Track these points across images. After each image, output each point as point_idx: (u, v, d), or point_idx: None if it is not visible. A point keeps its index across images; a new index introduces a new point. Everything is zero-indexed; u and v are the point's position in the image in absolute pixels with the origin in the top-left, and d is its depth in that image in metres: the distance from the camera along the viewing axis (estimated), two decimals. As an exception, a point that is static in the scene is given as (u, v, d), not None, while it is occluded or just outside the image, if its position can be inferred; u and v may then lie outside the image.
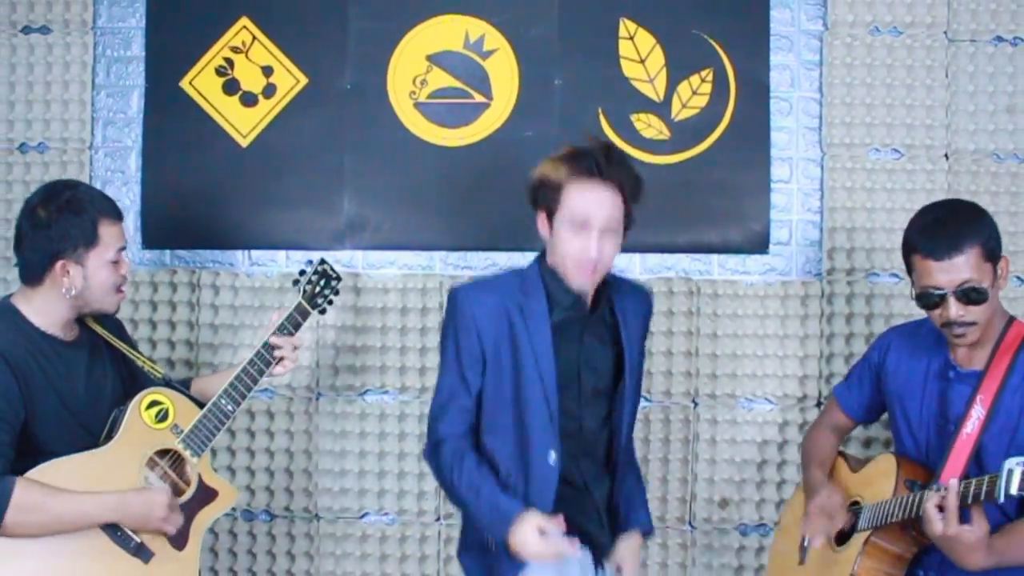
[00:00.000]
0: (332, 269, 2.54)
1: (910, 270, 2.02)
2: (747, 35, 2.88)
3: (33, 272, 2.10)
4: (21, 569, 1.98)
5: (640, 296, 2.22)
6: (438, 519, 2.85)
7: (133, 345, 2.38)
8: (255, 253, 2.95)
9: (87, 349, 2.21)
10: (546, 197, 2.00)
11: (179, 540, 2.17)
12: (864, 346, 2.77)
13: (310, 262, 2.51)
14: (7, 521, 1.93)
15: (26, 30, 2.94)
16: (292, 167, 2.93)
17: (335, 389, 2.88)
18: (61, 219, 2.07)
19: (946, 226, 1.97)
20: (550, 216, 2.01)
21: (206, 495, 2.25)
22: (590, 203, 1.95)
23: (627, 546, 2.11)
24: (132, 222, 2.91)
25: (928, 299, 1.97)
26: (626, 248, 2.79)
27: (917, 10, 2.82)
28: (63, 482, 2.04)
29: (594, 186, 1.95)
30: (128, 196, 2.92)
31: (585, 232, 1.94)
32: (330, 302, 2.53)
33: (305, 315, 2.44)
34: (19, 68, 2.94)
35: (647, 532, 2.16)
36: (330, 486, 2.88)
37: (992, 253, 1.96)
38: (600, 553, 2.11)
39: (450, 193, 2.88)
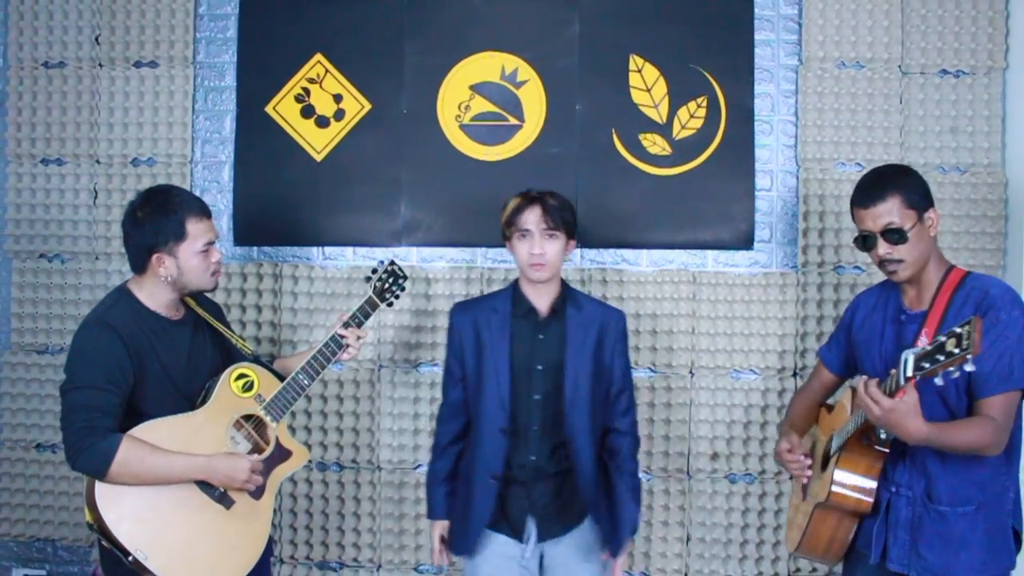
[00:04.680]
0: (400, 269, 2.70)
1: (854, 221, 2.25)
2: (735, 69, 3.11)
3: (136, 263, 2.31)
4: (123, 509, 2.15)
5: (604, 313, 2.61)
6: (480, 469, 3.21)
7: (228, 326, 2.57)
8: (328, 249, 3.22)
9: (190, 327, 2.39)
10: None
11: (257, 491, 2.34)
12: (832, 326, 3.03)
13: (381, 262, 2.69)
14: (111, 471, 2.11)
15: (137, 64, 3.25)
16: (358, 178, 3.19)
17: (394, 362, 3.18)
18: (153, 219, 2.26)
19: (873, 181, 2.22)
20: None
21: (282, 454, 2.42)
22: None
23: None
24: (225, 224, 3.22)
25: (863, 242, 2.21)
26: (635, 245, 3.13)
27: (876, 48, 3.08)
28: (161, 438, 2.20)
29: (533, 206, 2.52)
30: (222, 202, 3.23)
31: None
32: (397, 297, 2.71)
33: (374, 307, 2.63)
34: (132, 96, 3.25)
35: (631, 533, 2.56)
36: (389, 442, 3.18)
37: (914, 202, 2.16)
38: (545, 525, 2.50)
39: (489, 199, 3.01)
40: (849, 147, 3.12)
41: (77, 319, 3.24)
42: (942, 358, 1.85)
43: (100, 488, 2.15)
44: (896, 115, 3.10)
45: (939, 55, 3.11)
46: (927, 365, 1.89)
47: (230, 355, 2.49)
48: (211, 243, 2.32)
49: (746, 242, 3.15)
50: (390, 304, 2.72)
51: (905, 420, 1.98)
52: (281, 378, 2.46)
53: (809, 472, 2.38)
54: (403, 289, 2.74)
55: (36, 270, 3.32)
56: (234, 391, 2.35)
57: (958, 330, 1.85)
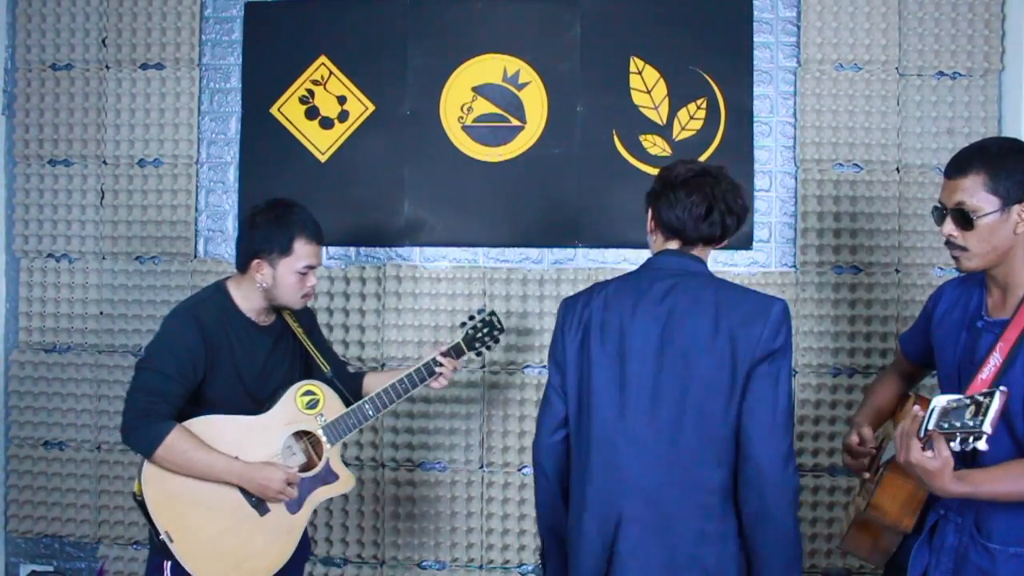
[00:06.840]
0: (498, 320, 2.65)
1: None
2: (734, 71, 3.13)
3: (240, 262, 2.38)
4: (165, 490, 2.25)
5: None
6: (481, 467, 3.18)
7: (320, 339, 2.62)
8: (332, 249, 3.25)
9: (274, 336, 2.45)
10: None
11: (294, 505, 2.39)
12: (831, 325, 3.10)
13: (480, 310, 2.68)
14: (156, 455, 2.22)
15: (144, 67, 3.29)
16: (362, 179, 3.22)
17: (397, 361, 3.21)
18: (267, 227, 2.34)
19: (967, 150, 1.90)
20: None
21: (330, 476, 2.45)
22: None
23: None
24: (230, 224, 3.26)
25: (936, 213, 1.93)
26: (636, 245, 3.15)
27: (873, 50, 3.11)
28: (216, 435, 2.28)
29: None
30: (227, 202, 3.27)
31: None
32: (488, 347, 2.66)
33: (460, 354, 2.60)
34: (138, 98, 3.29)
35: None
36: (393, 441, 3.22)
37: (1003, 188, 1.81)
38: None
39: (491, 200, 3.16)
40: (847, 148, 3.14)
41: (84, 318, 3.33)
42: (958, 424, 1.61)
43: (149, 466, 2.25)
44: (893, 116, 3.13)
45: (936, 57, 3.13)
46: (946, 425, 1.64)
47: (310, 370, 2.54)
48: (311, 267, 2.38)
49: (745, 242, 3.17)
50: (479, 354, 2.70)
51: (930, 479, 1.72)
52: (348, 404, 2.50)
53: (867, 474, 2.14)
54: (497, 341, 2.68)
55: (44, 269, 3.35)
56: (298, 406, 2.41)
57: (980, 398, 1.58)
